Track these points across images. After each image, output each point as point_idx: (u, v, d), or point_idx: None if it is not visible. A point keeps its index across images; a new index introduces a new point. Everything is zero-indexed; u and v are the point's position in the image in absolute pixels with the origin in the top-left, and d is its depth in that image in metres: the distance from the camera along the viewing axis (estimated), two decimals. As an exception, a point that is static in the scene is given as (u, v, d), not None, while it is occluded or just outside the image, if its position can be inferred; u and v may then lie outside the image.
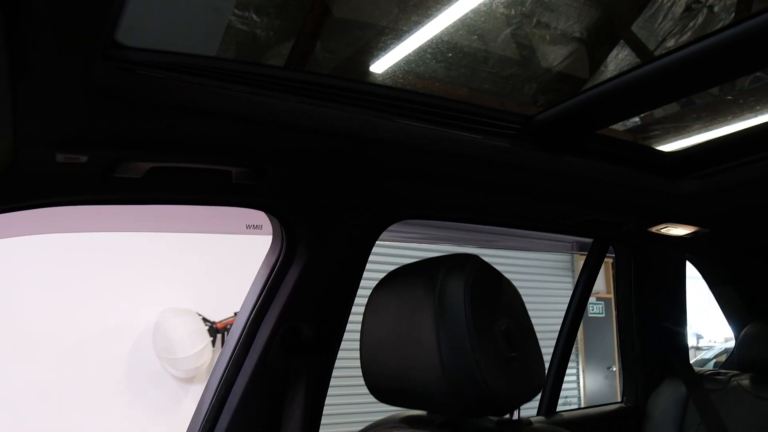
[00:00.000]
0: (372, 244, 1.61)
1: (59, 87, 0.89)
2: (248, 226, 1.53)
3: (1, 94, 0.77)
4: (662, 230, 2.00)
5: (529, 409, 2.20)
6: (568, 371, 6.90)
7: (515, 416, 1.25)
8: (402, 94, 1.40)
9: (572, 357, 7.55)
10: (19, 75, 0.77)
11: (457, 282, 1.15)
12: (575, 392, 7.51)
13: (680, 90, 1.40)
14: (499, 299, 1.20)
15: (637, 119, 1.85)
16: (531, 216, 1.84)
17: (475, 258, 1.22)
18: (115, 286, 3.73)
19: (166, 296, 3.86)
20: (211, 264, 3.73)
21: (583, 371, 7.61)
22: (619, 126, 1.84)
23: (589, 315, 7.64)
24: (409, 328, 1.18)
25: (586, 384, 7.60)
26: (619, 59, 2.00)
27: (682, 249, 2.25)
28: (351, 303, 1.62)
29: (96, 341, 3.69)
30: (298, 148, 1.29)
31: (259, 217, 1.53)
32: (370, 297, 1.31)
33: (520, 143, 1.47)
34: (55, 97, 0.91)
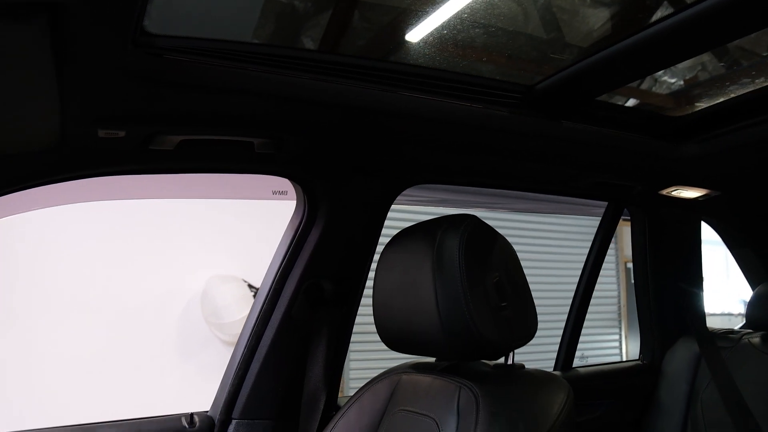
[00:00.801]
0: (388, 207, 1.74)
1: (97, 72, 1.03)
2: (274, 192, 1.67)
3: (49, 81, 0.92)
4: (673, 193, 2.06)
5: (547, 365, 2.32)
6: (610, 337, 6.81)
7: (510, 361, 1.38)
8: (409, 69, 1.51)
9: (614, 323, 7.57)
10: (62, 64, 0.91)
11: (453, 239, 1.27)
12: (617, 358, 7.52)
13: (679, 54, 1.44)
14: (492, 254, 1.31)
15: (681, 82, 1.88)
16: (539, 179, 1.93)
17: (472, 218, 1.34)
18: (166, 254, 3.92)
19: (213, 263, 4.06)
20: (257, 231, 3.90)
21: (625, 337, 7.60)
22: (662, 89, 1.85)
23: (632, 282, 7.60)
24: (412, 282, 1.31)
25: (628, 350, 7.60)
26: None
27: (696, 211, 2.30)
28: (369, 261, 1.75)
29: (150, 306, 3.86)
30: (312, 120, 1.41)
31: (284, 183, 1.68)
32: (381, 254, 1.44)
33: (521, 111, 1.57)
34: (94, 82, 1.06)
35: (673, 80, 1.82)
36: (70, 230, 3.57)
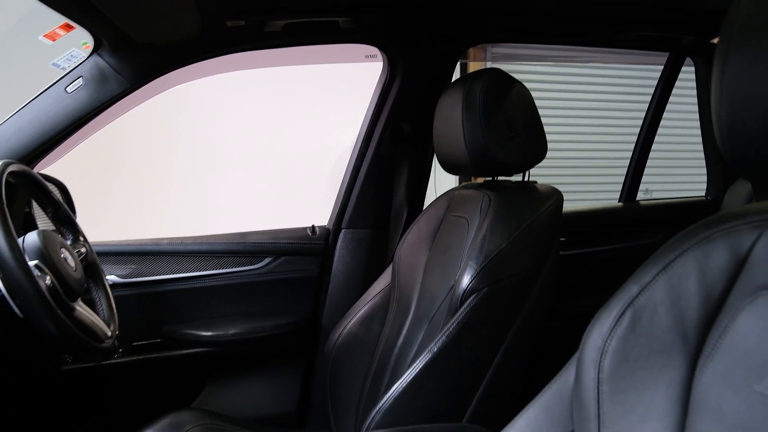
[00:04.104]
0: (453, 64, 2.14)
1: None
2: (366, 56, 2.07)
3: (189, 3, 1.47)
4: (725, 41, 2.24)
5: (612, 193, 2.66)
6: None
7: (526, 178, 1.82)
8: None
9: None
10: None
11: (477, 86, 1.69)
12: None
13: None
14: (507, 99, 1.70)
15: None
16: (582, 35, 2.21)
17: (495, 70, 1.74)
18: (317, 115, 4.35)
19: (360, 121, 4.51)
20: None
21: None
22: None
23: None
24: (451, 118, 1.75)
25: None
26: None
27: None
28: None
29: (307, 160, 4.37)
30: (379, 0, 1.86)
31: (374, 49, 2.15)
32: (439, 100, 1.89)
33: None
34: None
35: None
36: (232, 99, 4.11)
